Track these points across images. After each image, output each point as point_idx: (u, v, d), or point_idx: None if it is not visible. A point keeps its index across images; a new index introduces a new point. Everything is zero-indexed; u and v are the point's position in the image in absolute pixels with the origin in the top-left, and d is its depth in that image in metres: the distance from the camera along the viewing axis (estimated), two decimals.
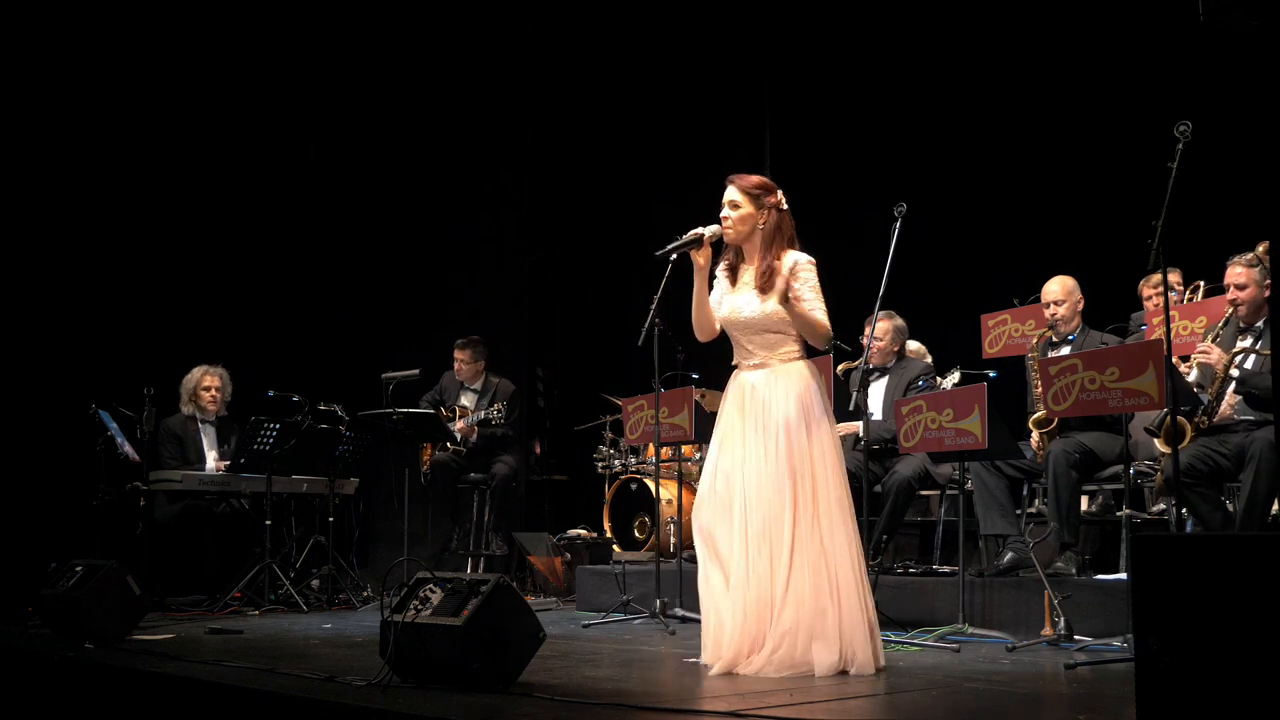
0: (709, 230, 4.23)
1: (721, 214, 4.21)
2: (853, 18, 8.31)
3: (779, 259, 4.15)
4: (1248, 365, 5.06)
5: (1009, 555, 5.54)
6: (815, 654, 3.89)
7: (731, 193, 4.19)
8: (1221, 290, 5.45)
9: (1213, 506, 4.98)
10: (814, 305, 4.11)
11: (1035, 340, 5.85)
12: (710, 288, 4.32)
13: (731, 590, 4.01)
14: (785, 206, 4.21)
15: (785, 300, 4.06)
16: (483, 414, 7.64)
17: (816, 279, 4.15)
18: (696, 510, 4.19)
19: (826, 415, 4.14)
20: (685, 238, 4.25)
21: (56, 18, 8.10)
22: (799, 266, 4.13)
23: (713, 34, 8.99)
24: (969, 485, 5.67)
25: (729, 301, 4.24)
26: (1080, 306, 5.78)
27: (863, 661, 3.93)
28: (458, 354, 7.90)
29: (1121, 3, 7.08)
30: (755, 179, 4.22)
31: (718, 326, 4.29)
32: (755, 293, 4.16)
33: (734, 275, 4.27)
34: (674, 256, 4.39)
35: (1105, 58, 7.23)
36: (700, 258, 4.22)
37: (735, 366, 4.30)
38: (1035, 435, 5.58)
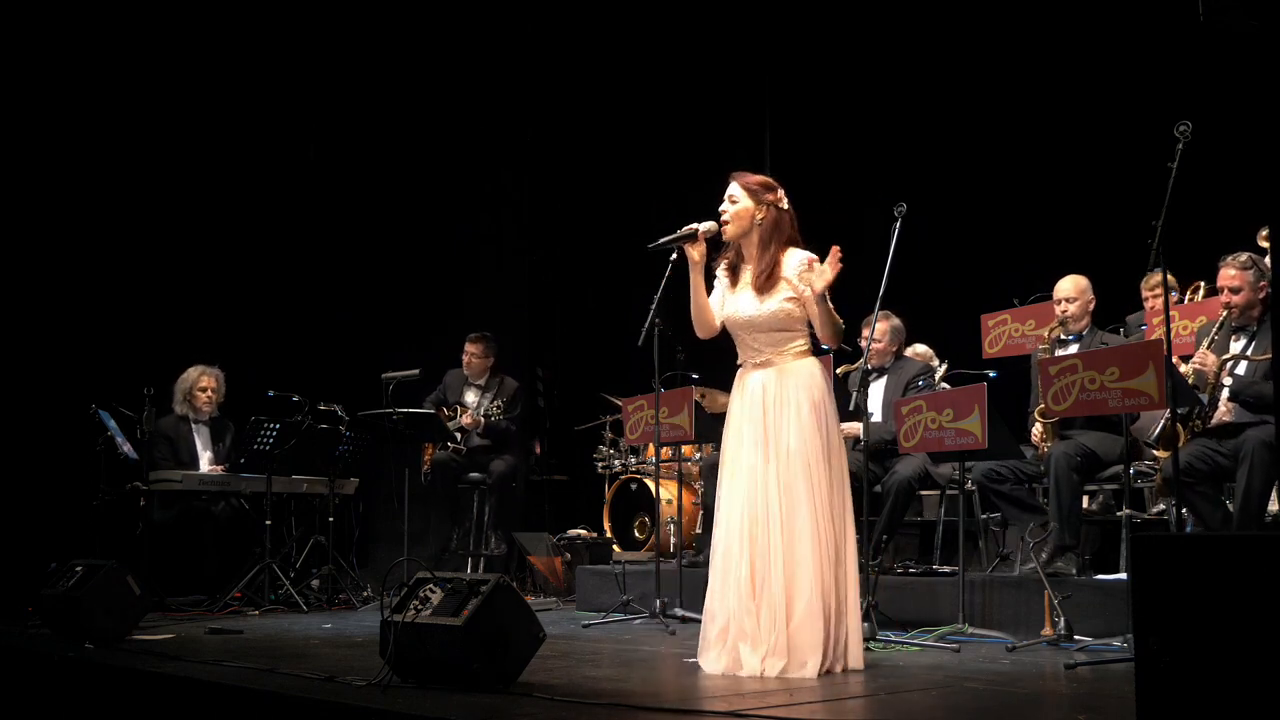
0: (703, 226, 4.24)
1: (720, 209, 4.23)
2: (852, 18, 8.31)
3: (779, 258, 4.15)
4: (1239, 371, 5.06)
5: (1046, 549, 5.54)
6: (819, 656, 3.91)
7: (731, 188, 4.22)
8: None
9: (1213, 506, 4.98)
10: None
11: (1046, 334, 5.82)
12: (711, 287, 4.32)
13: (753, 592, 4.00)
14: (786, 205, 4.21)
15: (822, 299, 4.04)
16: (484, 408, 7.66)
17: None
18: (720, 510, 4.18)
19: (834, 415, 4.16)
20: (680, 232, 4.27)
21: (56, 18, 8.09)
22: (807, 265, 4.13)
23: (713, 34, 8.99)
24: (969, 485, 5.68)
25: (730, 302, 4.24)
26: (1091, 306, 5.77)
27: (854, 661, 4.02)
28: (469, 346, 7.92)
29: (1121, 3, 7.08)
30: (758, 177, 4.23)
31: (718, 324, 4.29)
32: (754, 293, 4.17)
33: (734, 275, 4.27)
34: (674, 255, 4.42)
35: (1105, 58, 7.23)
36: (695, 253, 4.23)
37: (740, 365, 4.30)
38: (1038, 426, 5.54)
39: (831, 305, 4.09)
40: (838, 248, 4.00)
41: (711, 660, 4.05)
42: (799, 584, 3.94)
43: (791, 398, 4.09)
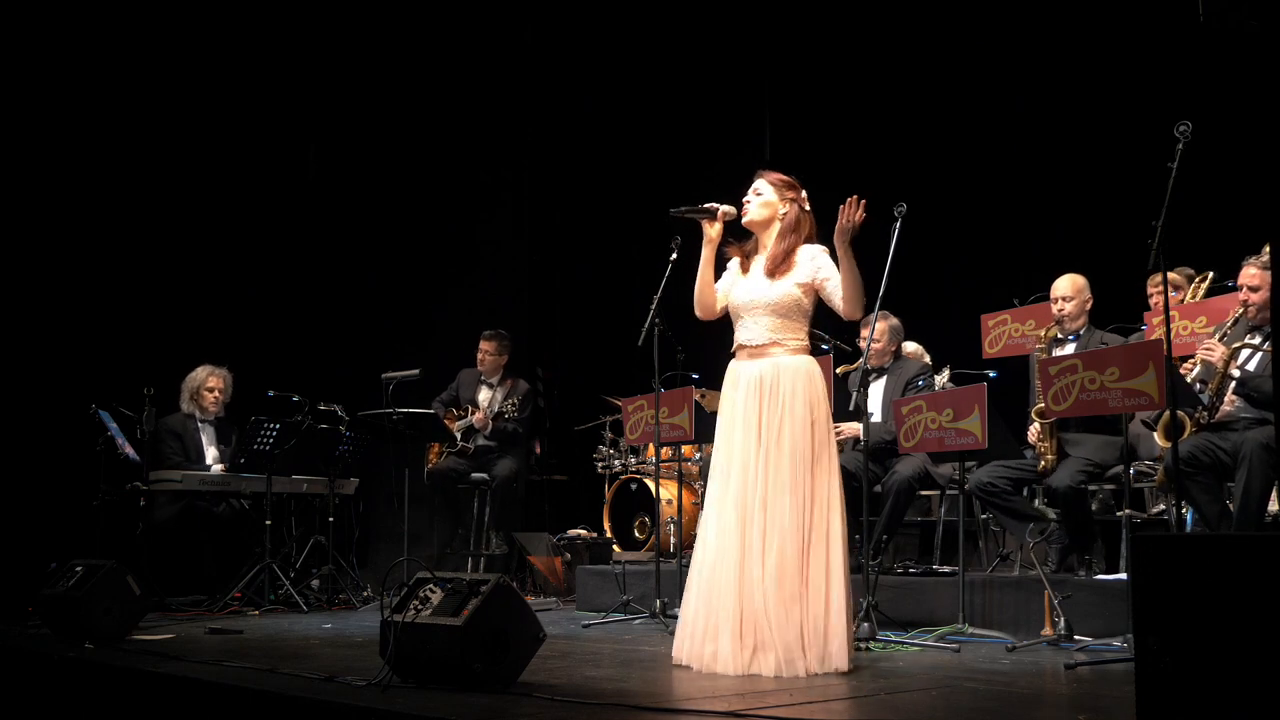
0: (725, 207, 4.38)
1: (744, 199, 4.34)
2: (852, 18, 8.31)
3: (795, 249, 4.26)
4: (1250, 366, 5.05)
5: (1055, 549, 5.55)
6: (809, 655, 3.93)
7: (757, 181, 4.36)
8: (1225, 289, 5.44)
9: (1211, 498, 4.97)
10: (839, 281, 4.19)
11: (1043, 334, 5.82)
12: (721, 272, 4.40)
13: (738, 589, 4.01)
14: (808, 208, 4.34)
15: (847, 253, 4.12)
16: (497, 407, 7.67)
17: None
18: (709, 506, 4.19)
19: (827, 413, 4.19)
20: (702, 206, 4.40)
21: (57, 18, 8.09)
22: (820, 255, 4.24)
23: (713, 34, 8.99)
24: (968, 486, 5.68)
25: (738, 285, 4.32)
26: (1089, 306, 5.76)
27: (840, 661, 3.99)
28: (483, 344, 7.93)
29: (1121, 3, 7.08)
30: (783, 175, 4.36)
31: (719, 308, 4.37)
32: (765, 278, 4.26)
33: (747, 263, 4.36)
34: (674, 255, 4.47)
35: (1105, 58, 7.23)
36: (712, 230, 4.36)
37: (734, 354, 4.31)
38: (1035, 426, 5.52)
39: (856, 268, 4.15)
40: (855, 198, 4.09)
41: (687, 652, 4.08)
42: (789, 581, 3.95)
43: (786, 393, 4.13)
